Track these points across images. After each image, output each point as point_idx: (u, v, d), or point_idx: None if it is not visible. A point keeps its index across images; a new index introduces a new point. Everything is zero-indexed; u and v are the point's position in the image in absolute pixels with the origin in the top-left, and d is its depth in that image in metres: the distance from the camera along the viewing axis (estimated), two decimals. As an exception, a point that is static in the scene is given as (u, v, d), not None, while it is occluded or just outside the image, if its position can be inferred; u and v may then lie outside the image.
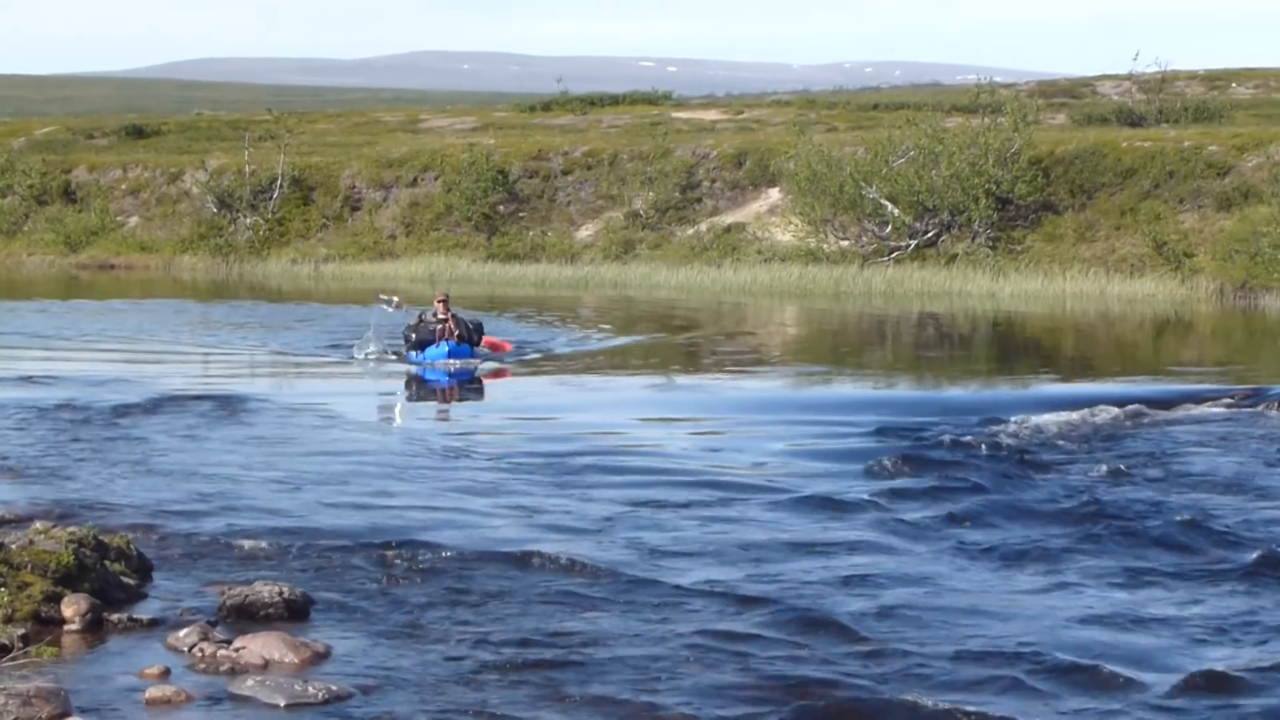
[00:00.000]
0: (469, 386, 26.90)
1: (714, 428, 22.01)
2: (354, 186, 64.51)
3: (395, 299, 30.53)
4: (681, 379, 28.33)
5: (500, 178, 61.23)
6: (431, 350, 28.36)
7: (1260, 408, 23.04)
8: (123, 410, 22.01)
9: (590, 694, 10.13)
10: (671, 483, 17.40)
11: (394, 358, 29.25)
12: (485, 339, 29.60)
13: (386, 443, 20.36)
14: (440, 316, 28.61)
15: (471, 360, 28.42)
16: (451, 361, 28.08)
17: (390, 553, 13.62)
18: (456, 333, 28.45)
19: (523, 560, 13.40)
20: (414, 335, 28.70)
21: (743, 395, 26.07)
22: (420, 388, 26.92)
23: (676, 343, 34.90)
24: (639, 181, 59.43)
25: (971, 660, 10.84)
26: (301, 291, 51.16)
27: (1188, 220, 49.75)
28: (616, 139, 65.61)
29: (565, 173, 61.89)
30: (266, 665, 10.51)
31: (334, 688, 10.04)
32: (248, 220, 64.01)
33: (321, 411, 22.82)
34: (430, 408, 25.28)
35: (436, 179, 62.98)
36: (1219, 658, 10.98)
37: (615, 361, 30.62)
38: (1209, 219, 49.40)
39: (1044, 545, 14.40)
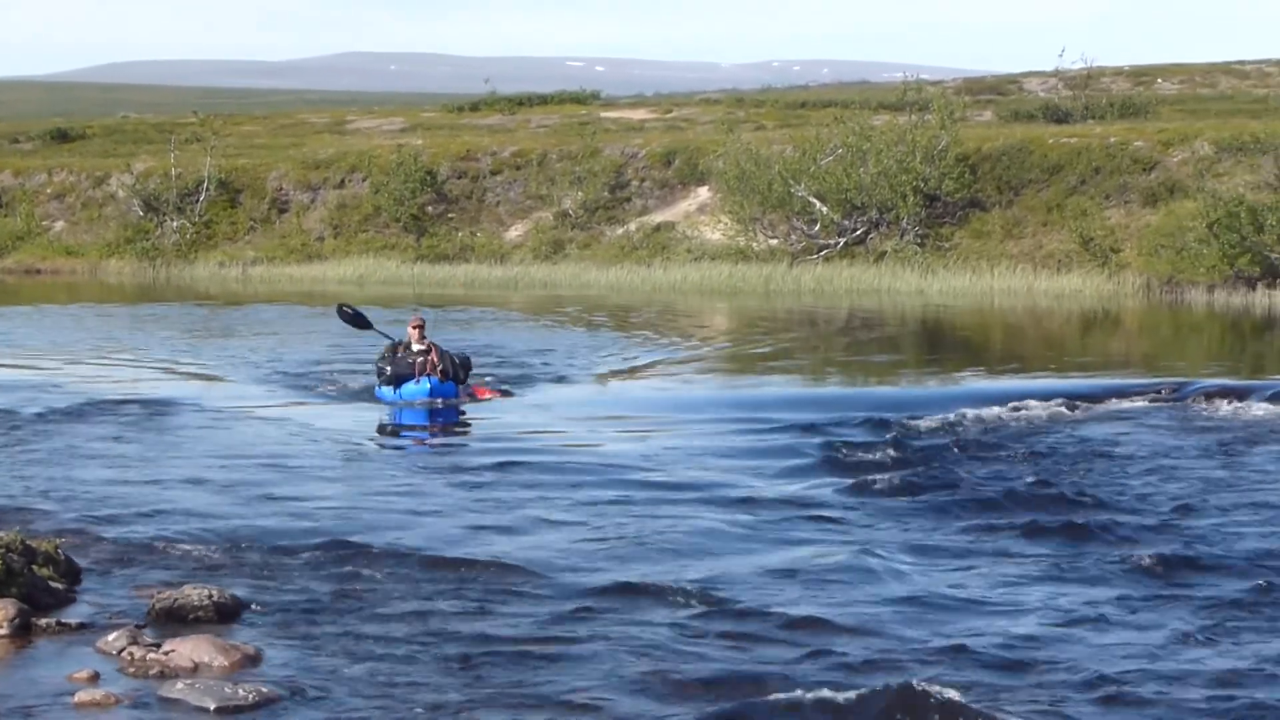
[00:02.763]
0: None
1: (646, 427, 22.04)
2: (281, 188, 64.29)
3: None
4: (613, 379, 28.28)
5: (428, 178, 61.15)
6: (410, 387, 23.81)
7: (1186, 401, 23.23)
8: (50, 415, 21.86)
9: (524, 695, 10.12)
10: (608, 482, 17.42)
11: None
12: (475, 388, 24.75)
13: (318, 446, 20.27)
14: (417, 347, 24.07)
15: (456, 399, 24.04)
16: (434, 401, 23.77)
17: (321, 556, 13.58)
18: (440, 367, 23.86)
19: (456, 562, 13.37)
20: (389, 369, 23.99)
21: (674, 394, 26.08)
22: (356, 394, 25.43)
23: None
24: (568, 181, 59.44)
25: (903, 652, 10.89)
26: (230, 295, 50.92)
27: (1114, 216, 50.09)
28: (545, 139, 65.63)
29: (494, 173, 61.86)
30: (196, 668, 10.46)
31: (264, 690, 10.00)
32: (174, 223, 63.70)
33: (251, 415, 22.72)
34: (364, 411, 24.76)
35: (364, 180, 62.85)
36: (1143, 647, 11.08)
37: (565, 360, 30.55)
38: (1135, 214, 49.75)
39: (972, 539, 14.48)
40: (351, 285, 54.49)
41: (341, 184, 63.55)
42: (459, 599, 12.27)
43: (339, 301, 27.31)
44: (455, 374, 24.09)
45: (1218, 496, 16.39)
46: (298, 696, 10.00)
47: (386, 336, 24.94)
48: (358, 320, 25.85)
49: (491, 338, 34.66)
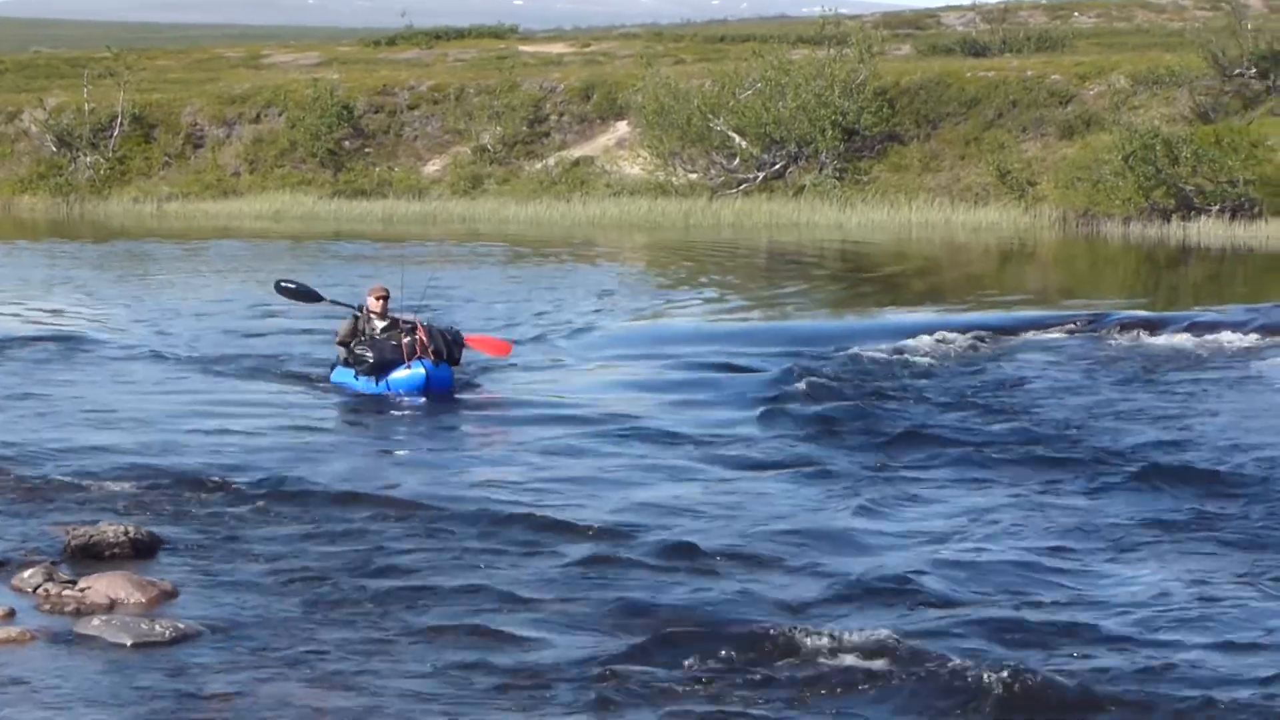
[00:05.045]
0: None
1: (571, 363, 22.02)
2: (196, 124, 63.67)
3: None
4: (533, 316, 28.17)
5: (345, 113, 60.68)
6: (401, 375, 18.78)
7: (1101, 332, 23.44)
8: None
9: (444, 630, 10.11)
10: (528, 419, 17.44)
11: None
12: (472, 339, 20.20)
13: (234, 382, 20.15)
14: (380, 323, 19.43)
15: (451, 389, 19.11)
16: (429, 392, 18.81)
17: (239, 493, 13.53)
18: (432, 348, 18.87)
19: (375, 498, 13.36)
20: (370, 354, 18.97)
21: (592, 332, 26.02)
22: (284, 335, 24.67)
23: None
24: (486, 116, 59.15)
25: (828, 584, 10.93)
26: (145, 230, 50.45)
27: (1030, 149, 50.31)
28: (463, 73, 65.22)
29: (411, 107, 61.46)
30: (113, 605, 10.41)
31: (181, 626, 9.96)
32: (88, 159, 63.01)
33: (169, 354, 22.52)
34: (287, 349, 23.99)
35: (280, 115, 62.31)
36: (1074, 569, 11.19)
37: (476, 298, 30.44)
38: (1051, 147, 49.98)
39: (896, 470, 14.56)
40: (268, 221, 54.12)
41: (257, 119, 63.01)
42: (377, 536, 12.25)
43: (277, 278, 22.10)
44: (451, 355, 19.22)
45: (1134, 422, 16.54)
46: (215, 632, 9.97)
47: (346, 306, 20.40)
48: (303, 295, 21.18)
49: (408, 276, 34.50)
